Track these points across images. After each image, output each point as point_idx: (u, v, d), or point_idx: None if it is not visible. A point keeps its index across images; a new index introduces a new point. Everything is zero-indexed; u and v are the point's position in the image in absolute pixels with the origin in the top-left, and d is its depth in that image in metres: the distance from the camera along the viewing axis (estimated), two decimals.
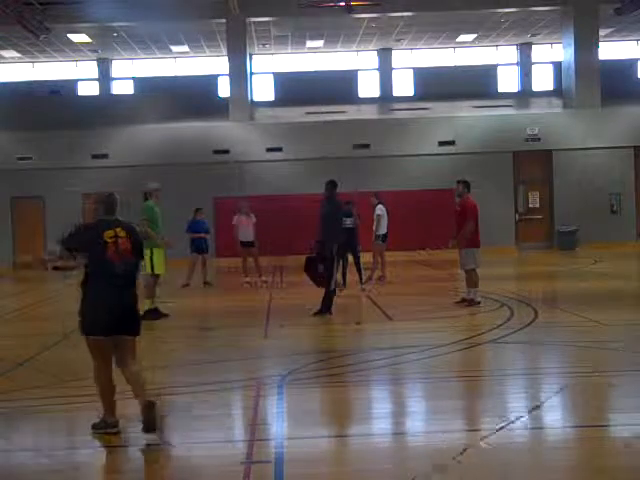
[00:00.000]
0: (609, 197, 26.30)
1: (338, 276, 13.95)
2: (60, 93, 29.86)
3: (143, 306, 12.79)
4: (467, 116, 27.51)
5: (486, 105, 28.86)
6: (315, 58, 32.12)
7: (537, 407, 7.16)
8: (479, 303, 13.11)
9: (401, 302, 14.66)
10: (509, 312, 12.39)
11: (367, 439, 6.23)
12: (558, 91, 29.11)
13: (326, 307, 12.56)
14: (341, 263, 16.76)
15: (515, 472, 5.42)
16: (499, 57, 32.40)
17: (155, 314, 12.81)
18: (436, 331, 11.17)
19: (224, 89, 29.19)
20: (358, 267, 16.58)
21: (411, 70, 31.89)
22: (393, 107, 29.88)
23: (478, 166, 25.41)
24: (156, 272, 12.88)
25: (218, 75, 30.65)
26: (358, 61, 32.26)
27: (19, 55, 30.90)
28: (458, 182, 13.60)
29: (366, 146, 26.73)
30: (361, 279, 16.47)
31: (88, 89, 32.13)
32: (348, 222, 16.45)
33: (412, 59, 32.19)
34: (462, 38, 30.75)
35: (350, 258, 16.63)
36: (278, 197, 25.99)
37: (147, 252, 12.79)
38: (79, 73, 32.45)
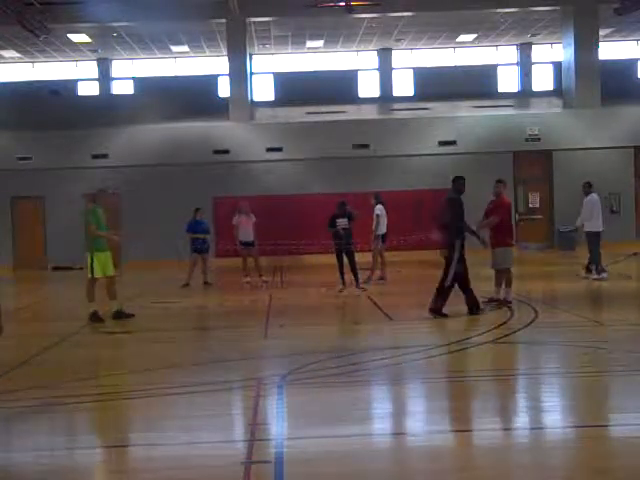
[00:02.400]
0: (609, 197, 26.28)
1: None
2: (60, 93, 29.85)
3: (88, 308, 12.82)
4: (467, 116, 27.50)
5: (486, 105, 28.85)
6: (315, 58, 32.12)
7: (537, 407, 7.16)
8: (511, 303, 13.07)
9: (401, 302, 14.67)
10: (509, 312, 12.38)
11: (367, 439, 6.23)
12: (558, 91, 29.10)
13: (472, 304, 12.16)
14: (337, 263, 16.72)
15: (515, 472, 5.42)
16: (499, 57, 32.40)
17: (95, 317, 12.78)
18: (436, 331, 11.17)
19: (224, 89, 29.19)
20: (353, 268, 16.34)
21: (411, 70, 31.89)
22: (393, 107, 29.87)
23: (478, 166, 25.38)
24: (96, 275, 12.94)
25: (218, 75, 30.64)
26: (358, 61, 32.25)
27: (19, 55, 30.90)
28: (498, 182, 13.59)
29: (366, 146, 26.72)
30: (357, 280, 16.27)
31: (88, 89, 32.12)
32: (343, 223, 16.39)
33: (412, 59, 32.19)
34: (462, 38, 30.75)
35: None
36: (278, 197, 25.98)
37: (88, 256, 12.88)
38: (79, 73, 32.44)
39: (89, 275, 12.98)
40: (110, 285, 13.11)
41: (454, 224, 12.13)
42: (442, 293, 12.08)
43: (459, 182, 12.51)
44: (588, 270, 17.21)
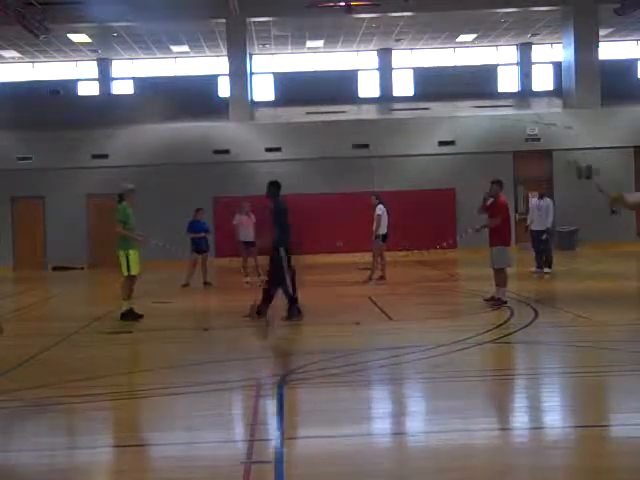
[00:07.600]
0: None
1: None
2: (60, 93, 29.87)
3: (121, 307, 12.86)
4: (467, 116, 27.51)
5: (486, 105, 28.87)
6: (315, 58, 32.13)
7: (537, 407, 7.16)
8: (506, 302, 13.10)
9: (401, 302, 14.67)
10: (509, 312, 12.39)
11: (367, 439, 6.23)
12: (558, 91, 29.12)
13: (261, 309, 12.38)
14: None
15: (515, 472, 5.42)
16: (499, 57, 32.41)
17: (131, 315, 12.79)
18: (436, 331, 11.17)
19: (224, 89, 29.20)
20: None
21: (411, 70, 31.91)
22: (393, 107, 29.88)
23: (478, 166, 25.40)
24: (132, 273, 12.88)
25: (218, 75, 30.66)
26: (358, 61, 32.26)
27: (19, 55, 30.91)
28: (492, 182, 13.70)
29: (366, 146, 26.73)
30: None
31: (88, 89, 32.14)
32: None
33: (412, 59, 32.21)
34: (462, 38, 30.77)
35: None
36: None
37: (122, 254, 12.80)
38: (79, 73, 32.47)
39: (125, 273, 12.89)
40: (133, 284, 13.10)
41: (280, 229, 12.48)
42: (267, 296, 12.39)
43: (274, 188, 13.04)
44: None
